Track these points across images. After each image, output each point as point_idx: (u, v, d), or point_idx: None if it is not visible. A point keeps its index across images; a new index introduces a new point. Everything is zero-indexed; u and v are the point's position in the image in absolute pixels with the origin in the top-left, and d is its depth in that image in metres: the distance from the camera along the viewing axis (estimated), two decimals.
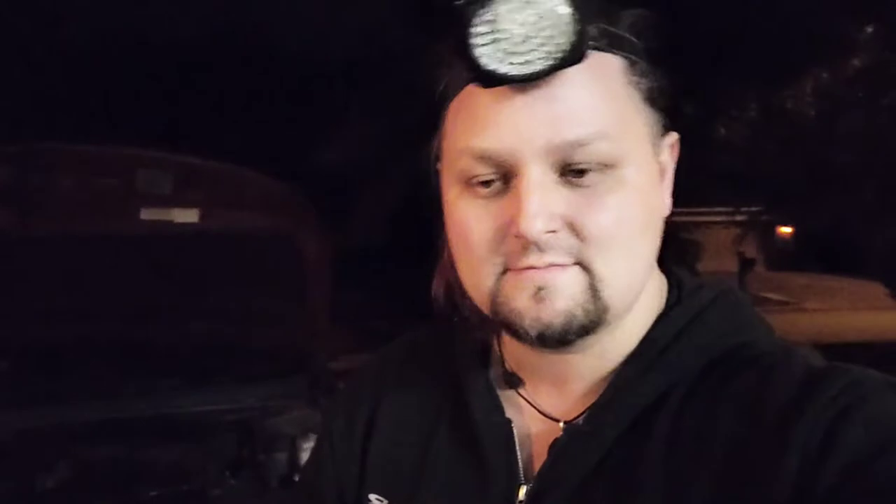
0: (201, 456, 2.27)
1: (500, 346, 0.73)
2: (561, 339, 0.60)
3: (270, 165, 2.38)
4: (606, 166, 0.59)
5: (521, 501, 0.64)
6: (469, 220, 0.62)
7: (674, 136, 0.67)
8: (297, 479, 2.42)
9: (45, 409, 2.26)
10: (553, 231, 0.59)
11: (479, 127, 0.60)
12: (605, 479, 0.61)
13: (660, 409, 0.62)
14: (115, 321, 2.28)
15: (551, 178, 0.59)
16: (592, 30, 0.59)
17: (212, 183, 2.21)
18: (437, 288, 0.75)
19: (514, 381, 0.71)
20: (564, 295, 0.60)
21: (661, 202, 0.66)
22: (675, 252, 0.72)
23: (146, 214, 2.14)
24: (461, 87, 0.62)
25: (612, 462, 0.62)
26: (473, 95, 0.60)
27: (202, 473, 2.26)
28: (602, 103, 0.60)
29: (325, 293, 2.44)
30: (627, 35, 0.63)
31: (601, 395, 0.65)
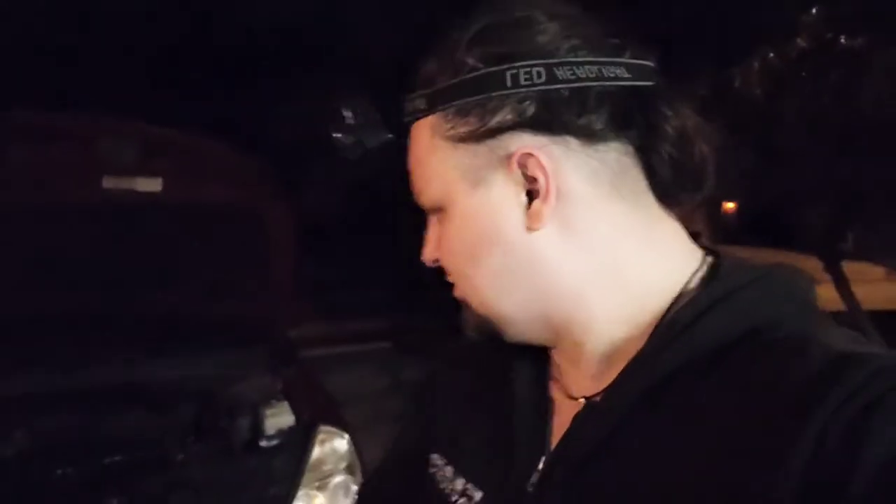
0: (164, 423, 2.30)
1: None
2: (501, 338, 0.73)
3: (236, 137, 2.38)
4: (434, 210, 0.71)
5: (539, 470, 0.69)
6: None
7: (520, 151, 0.66)
8: (262, 444, 2.47)
9: (6, 379, 2.26)
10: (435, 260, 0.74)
11: None
12: (614, 451, 0.64)
13: (671, 386, 0.63)
14: (76, 290, 2.27)
15: (433, 218, 0.73)
16: (414, 102, 0.70)
17: (176, 153, 2.20)
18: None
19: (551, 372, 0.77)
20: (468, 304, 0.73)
21: (522, 220, 0.67)
22: None
23: (108, 183, 2.12)
24: None
25: (621, 436, 0.64)
26: None
27: (165, 440, 2.28)
28: (414, 166, 0.72)
29: (288, 264, 2.46)
30: (451, 82, 0.67)
31: (619, 374, 0.67)
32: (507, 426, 0.73)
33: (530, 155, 0.65)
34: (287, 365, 2.58)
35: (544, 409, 0.73)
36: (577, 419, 0.68)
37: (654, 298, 0.67)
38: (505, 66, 0.64)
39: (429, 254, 0.74)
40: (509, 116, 0.65)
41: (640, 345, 0.66)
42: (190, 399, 2.38)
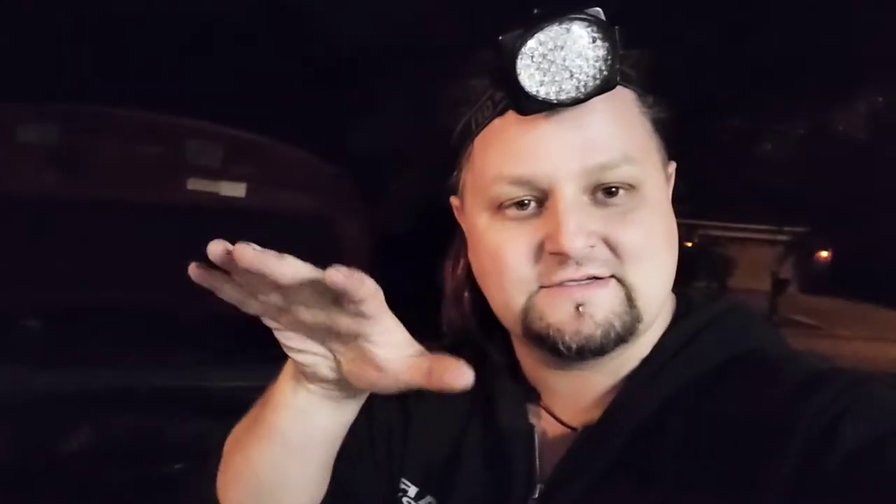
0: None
1: (522, 361, 0.79)
2: (600, 350, 0.65)
3: (316, 146, 2.36)
4: (632, 187, 0.65)
5: (535, 499, 0.70)
6: (501, 242, 0.66)
7: (673, 166, 0.73)
8: None
9: (74, 373, 2.26)
10: (591, 246, 0.64)
11: (513, 154, 0.65)
12: (616, 477, 0.65)
13: (669, 410, 0.66)
14: (150, 291, 2.27)
15: (584, 198, 0.64)
16: (630, 70, 0.68)
17: (260, 158, 2.21)
18: (448, 316, 0.82)
19: (531, 397, 0.76)
20: (604, 308, 0.64)
21: (672, 217, 0.71)
22: (705, 266, 0.79)
23: (193, 185, 2.13)
24: (488, 121, 0.68)
25: (622, 462, 0.65)
26: (503, 127, 0.66)
27: None
28: (624, 130, 0.66)
29: None
30: (636, 72, 0.70)
31: (614, 400, 0.69)
32: (495, 455, 0.73)
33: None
34: None
35: (530, 435, 0.73)
36: (575, 446, 0.69)
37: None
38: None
39: (590, 234, 0.64)
40: (671, 127, 0.70)
41: (628, 370, 0.69)
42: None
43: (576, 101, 0.62)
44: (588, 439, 0.69)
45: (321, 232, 2.40)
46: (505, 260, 0.66)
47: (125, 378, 2.33)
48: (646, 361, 0.70)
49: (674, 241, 0.69)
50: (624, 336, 0.66)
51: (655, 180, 0.68)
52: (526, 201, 0.65)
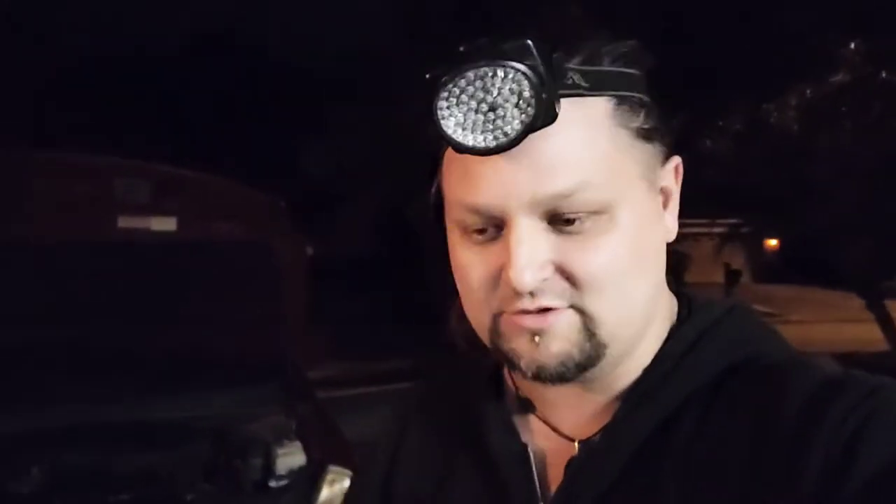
0: (175, 461, 2.28)
1: (510, 373, 0.74)
2: (558, 377, 0.62)
3: (249, 175, 2.40)
4: (595, 212, 0.60)
5: None
6: (466, 265, 0.64)
7: (676, 160, 0.67)
8: (271, 484, 2.45)
9: (19, 415, 2.27)
10: (544, 279, 0.59)
11: (468, 182, 0.61)
12: (624, 494, 0.62)
13: (675, 422, 0.63)
14: (90, 327, 2.28)
15: (540, 226, 0.60)
16: (573, 76, 0.59)
17: (189, 192, 2.23)
18: (455, 323, 0.76)
19: (526, 407, 0.72)
20: (559, 337, 0.61)
21: (664, 229, 0.67)
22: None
23: (124, 222, 2.15)
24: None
25: (629, 477, 0.62)
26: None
27: (176, 478, 2.27)
28: (585, 152, 0.60)
29: (301, 301, 2.46)
30: (615, 69, 0.62)
31: (616, 413, 0.65)
32: (489, 481, 0.70)
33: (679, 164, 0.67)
34: (302, 403, 2.56)
35: (524, 455, 0.69)
36: (576, 463, 0.66)
37: (646, 337, 0.67)
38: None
39: (542, 266, 0.60)
40: (669, 122, 0.65)
41: (629, 381, 0.65)
42: (202, 437, 2.36)
43: (506, 147, 0.57)
44: (590, 456, 0.65)
45: (259, 258, 2.43)
46: (469, 283, 0.64)
47: (72, 415, 2.33)
48: (647, 372, 0.65)
49: (651, 258, 0.65)
50: (585, 364, 0.61)
51: (631, 197, 0.62)
52: (486, 228, 0.61)
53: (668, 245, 0.67)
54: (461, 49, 0.59)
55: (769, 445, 0.57)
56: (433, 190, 0.69)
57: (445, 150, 0.63)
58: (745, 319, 0.68)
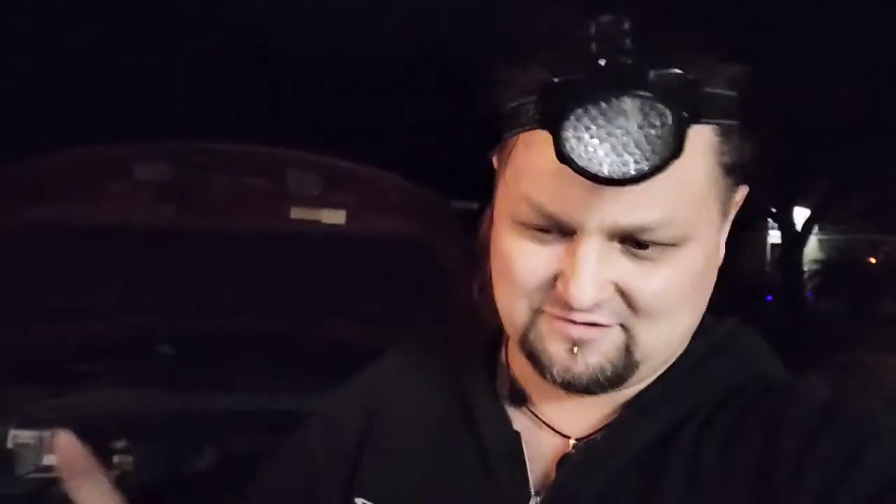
0: None
1: (507, 357, 0.74)
2: (586, 390, 0.62)
3: (415, 171, 2.38)
4: (670, 244, 0.59)
5: None
6: (515, 255, 0.61)
7: (744, 191, 0.65)
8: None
9: (202, 397, 2.37)
10: (603, 299, 0.59)
11: (545, 184, 0.57)
12: (623, 495, 0.62)
13: (679, 432, 0.64)
14: (261, 317, 2.35)
15: (611, 246, 0.58)
16: (700, 105, 0.55)
17: (358, 185, 2.24)
18: (477, 296, 0.74)
19: (520, 398, 0.71)
20: (599, 352, 0.61)
21: (717, 258, 0.66)
22: None
23: (296, 213, 2.19)
24: (534, 126, 0.57)
25: (630, 480, 0.63)
26: (545, 141, 0.54)
27: None
28: (676, 189, 0.57)
29: (464, 301, 2.41)
30: (723, 92, 0.57)
31: (619, 415, 0.66)
32: (478, 466, 0.68)
33: None
34: None
35: (517, 441, 0.68)
36: (572, 460, 0.65)
37: None
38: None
39: (604, 286, 0.58)
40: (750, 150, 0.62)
41: (637, 389, 0.66)
42: None
43: (628, 183, 0.53)
44: (590, 455, 0.65)
45: (422, 255, 2.41)
46: (514, 272, 0.61)
47: (243, 402, 2.41)
48: (655, 382, 0.67)
49: (704, 292, 0.64)
50: (614, 381, 0.62)
51: (702, 236, 0.60)
52: (549, 229, 0.59)
53: None
54: (600, 63, 0.52)
55: (774, 457, 0.58)
56: (494, 155, 0.66)
57: (521, 131, 0.60)
58: (753, 339, 0.70)
